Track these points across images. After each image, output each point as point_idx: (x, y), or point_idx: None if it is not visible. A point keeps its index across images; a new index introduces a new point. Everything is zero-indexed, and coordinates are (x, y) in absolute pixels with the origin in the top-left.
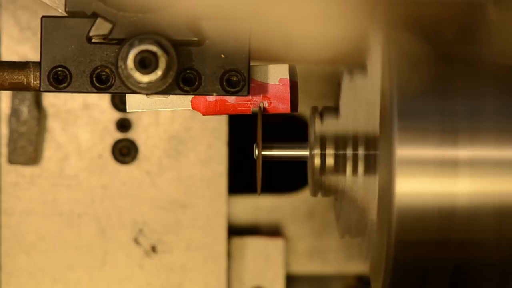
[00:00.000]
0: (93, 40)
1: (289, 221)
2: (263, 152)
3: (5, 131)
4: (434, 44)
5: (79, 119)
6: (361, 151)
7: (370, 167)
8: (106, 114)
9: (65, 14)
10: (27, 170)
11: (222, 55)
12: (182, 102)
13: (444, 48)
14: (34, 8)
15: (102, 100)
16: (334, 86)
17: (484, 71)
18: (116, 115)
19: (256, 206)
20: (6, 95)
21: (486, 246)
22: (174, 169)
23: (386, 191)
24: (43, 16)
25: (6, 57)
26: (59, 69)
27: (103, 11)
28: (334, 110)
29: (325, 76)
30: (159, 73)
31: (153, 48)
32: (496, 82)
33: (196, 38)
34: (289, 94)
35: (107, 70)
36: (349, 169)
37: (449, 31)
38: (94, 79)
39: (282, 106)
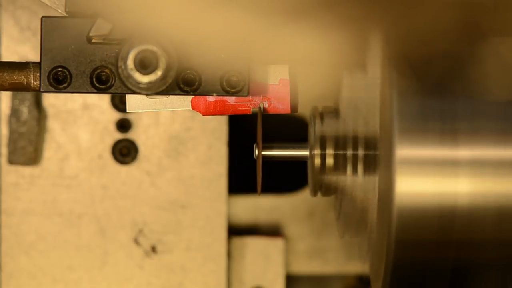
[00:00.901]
0: (93, 40)
1: (289, 221)
2: (263, 152)
3: (5, 131)
4: (434, 44)
5: (79, 119)
6: (361, 151)
7: (370, 167)
8: (106, 114)
9: (65, 14)
10: (27, 171)
11: (222, 55)
12: (182, 102)
13: (445, 47)
14: (34, 9)
15: (102, 101)
16: (334, 86)
17: (485, 69)
18: (116, 115)
19: (256, 206)
20: (6, 95)
21: (486, 246)
22: (174, 169)
23: (386, 191)
24: (43, 16)
25: (6, 58)
26: (59, 69)
27: (103, 11)
28: (334, 110)
29: (325, 76)
30: (159, 73)
31: (153, 48)
32: (497, 80)
33: (196, 38)
34: (289, 95)
35: (107, 70)
36: (349, 169)
37: (449, 30)
38: (94, 79)
39: (282, 106)
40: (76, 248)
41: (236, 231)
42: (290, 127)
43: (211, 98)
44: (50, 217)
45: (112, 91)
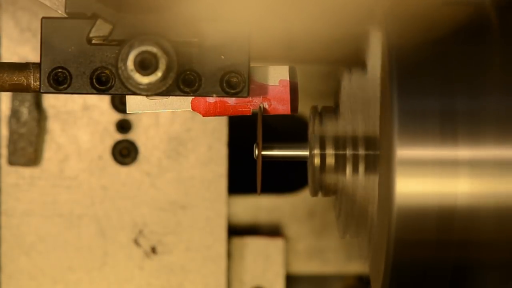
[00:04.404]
0: (93, 41)
1: (289, 221)
2: (263, 152)
3: (5, 132)
4: (434, 43)
5: (79, 120)
6: (361, 151)
7: (370, 167)
8: (106, 115)
9: (65, 15)
10: (27, 171)
11: (222, 56)
12: (182, 103)
13: (445, 47)
14: (34, 9)
15: (102, 101)
16: (334, 86)
17: (485, 70)
18: (116, 116)
19: (256, 206)
20: (6, 96)
21: (486, 246)
22: (174, 170)
23: (386, 191)
24: (43, 17)
25: (6, 58)
26: (59, 70)
27: (103, 12)
28: (334, 110)
29: (325, 76)
30: (159, 74)
31: (153, 49)
32: (497, 81)
33: (196, 39)
34: (289, 95)
35: (107, 71)
36: (349, 169)
37: (450, 30)
38: (94, 80)
39: (282, 107)
40: (76, 249)
41: (236, 231)
42: (290, 127)
43: (211, 99)
44: (50, 218)
45: (112, 92)
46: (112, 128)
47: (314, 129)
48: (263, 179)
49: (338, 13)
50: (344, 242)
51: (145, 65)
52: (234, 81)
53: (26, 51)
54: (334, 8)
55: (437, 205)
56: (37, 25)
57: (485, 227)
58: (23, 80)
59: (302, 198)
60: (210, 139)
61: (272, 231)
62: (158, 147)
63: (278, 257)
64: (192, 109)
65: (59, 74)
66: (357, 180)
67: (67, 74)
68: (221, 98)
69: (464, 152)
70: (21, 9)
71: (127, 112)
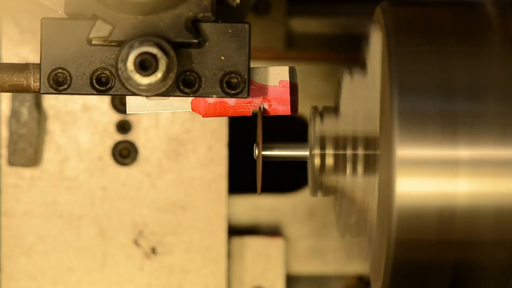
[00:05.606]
0: (93, 42)
1: (289, 221)
2: (263, 152)
3: (5, 133)
4: (435, 43)
5: (79, 121)
6: (361, 151)
7: (370, 167)
8: (106, 116)
9: (65, 16)
10: (27, 172)
11: (222, 57)
12: (182, 104)
13: (445, 47)
14: (34, 10)
15: (102, 102)
16: (334, 86)
17: (485, 70)
18: (116, 117)
19: (256, 206)
20: (6, 97)
21: (486, 246)
22: (174, 170)
23: (386, 191)
24: (43, 18)
25: (6, 59)
26: (59, 71)
27: (103, 13)
28: (334, 110)
29: (325, 76)
30: (159, 75)
31: (153, 50)
32: (497, 81)
33: (196, 40)
34: (289, 96)
35: (107, 72)
36: (349, 169)
37: (450, 30)
38: (94, 81)
39: (282, 108)
40: (76, 249)
41: (236, 231)
42: (290, 127)
43: (211, 100)
44: (50, 219)
45: (112, 93)
46: (112, 128)
47: (314, 129)
48: (263, 179)
49: None
50: (344, 242)
51: (145, 66)
52: (234, 81)
53: (26, 52)
54: None
55: (437, 205)
56: (37, 26)
57: (485, 227)
58: (23, 81)
59: (302, 198)
60: (210, 139)
61: (272, 231)
62: (158, 147)
63: (278, 257)
64: (192, 110)
65: (59, 74)
66: (357, 180)
67: (67, 74)
68: (221, 99)
69: (464, 152)
70: (21, 10)
71: (127, 112)
